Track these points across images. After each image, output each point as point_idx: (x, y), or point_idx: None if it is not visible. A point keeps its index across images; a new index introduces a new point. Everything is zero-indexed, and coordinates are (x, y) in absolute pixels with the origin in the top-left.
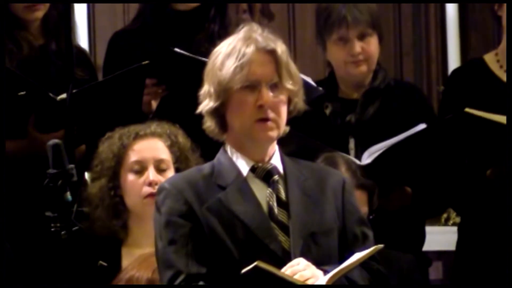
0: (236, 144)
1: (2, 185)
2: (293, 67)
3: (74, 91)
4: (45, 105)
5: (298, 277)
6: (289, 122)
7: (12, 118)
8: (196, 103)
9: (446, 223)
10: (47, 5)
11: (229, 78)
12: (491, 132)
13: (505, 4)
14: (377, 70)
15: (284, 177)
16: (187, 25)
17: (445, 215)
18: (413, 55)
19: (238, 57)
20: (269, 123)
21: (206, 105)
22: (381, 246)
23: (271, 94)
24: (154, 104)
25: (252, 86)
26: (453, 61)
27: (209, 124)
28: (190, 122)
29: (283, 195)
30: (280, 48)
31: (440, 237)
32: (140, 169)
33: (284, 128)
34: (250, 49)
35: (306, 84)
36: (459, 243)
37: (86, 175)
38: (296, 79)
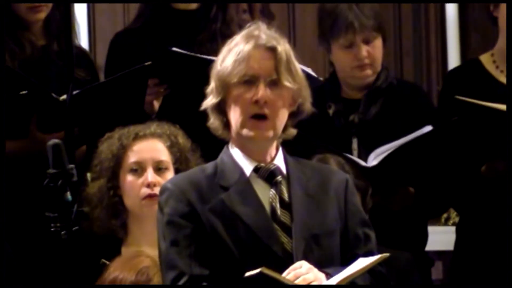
0: (239, 143)
1: (2, 185)
2: (295, 66)
3: (76, 92)
4: (48, 105)
5: (301, 281)
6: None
7: (14, 118)
8: (198, 102)
9: (446, 223)
10: (50, 6)
11: (227, 73)
12: (485, 120)
13: (500, 5)
14: (380, 70)
15: (287, 177)
16: (189, 25)
17: (445, 215)
18: (413, 55)
19: (238, 52)
20: (264, 122)
21: (209, 101)
22: (386, 255)
23: (269, 90)
24: (156, 104)
25: (250, 82)
26: (453, 61)
27: (212, 121)
28: (193, 122)
29: (285, 196)
30: (283, 46)
31: (441, 237)
32: (139, 170)
33: (281, 128)
34: (249, 45)
35: (305, 75)
36: (457, 243)
37: (88, 175)
38: (298, 79)
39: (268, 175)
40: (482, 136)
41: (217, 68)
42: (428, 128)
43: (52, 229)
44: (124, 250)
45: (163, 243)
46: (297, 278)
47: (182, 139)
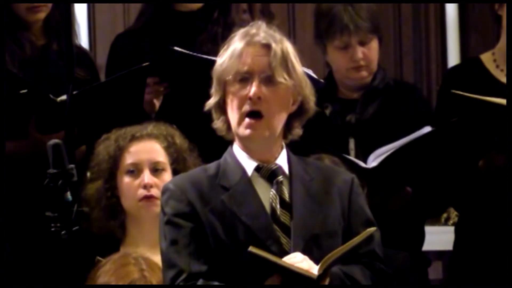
0: (241, 143)
1: (2, 185)
2: (293, 64)
3: (75, 92)
4: (45, 107)
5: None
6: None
7: (13, 119)
8: (198, 102)
9: (446, 223)
10: (49, 6)
11: (223, 70)
12: (482, 115)
13: (505, 4)
14: (376, 70)
15: (290, 177)
16: (189, 26)
17: (445, 215)
18: (413, 55)
19: (233, 49)
20: (259, 121)
21: (210, 101)
22: (373, 228)
23: (264, 87)
24: (156, 103)
25: (245, 79)
26: (453, 61)
27: (215, 122)
28: (193, 122)
29: (286, 196)
30: (280, 44)
31: (440, 237)
32: (136, 171)
33: (278, 127)
34: (244, 42)
35: (306, 76)
36: (456, 243)
37: (88, 174)
38: (295, 76)
39: (270, 175)
40: (480, 133)
41: (216, 67)
42: (428, 129)
43: (52, 229)
44: (122, 250)
45: (163, 242)
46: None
47: (179, 140)
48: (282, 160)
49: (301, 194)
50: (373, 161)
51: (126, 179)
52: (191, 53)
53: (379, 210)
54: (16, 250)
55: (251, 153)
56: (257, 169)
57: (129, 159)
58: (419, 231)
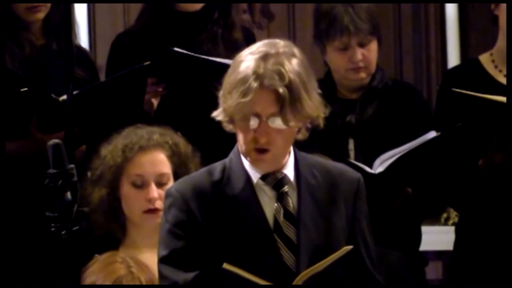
0: None
1: (2, 185)
2: (303, 100)
3: (76, 92)
4: (47, 106)
5: None
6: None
7: (14, 119)
8: (199, 102)
9: (445, 223)
10: (49, 6)
11: (232, 109)
12: (483, 114)
13: (501, 4)
14: (375, 70)
15: (296, 185)
16: (189, 26)
17: (445, 215)
18: (413, 55)
19: (243, 92)
20: (266, 154)
21: (218, 115)
22: (349, 247)
23: (271, 127)
24: (155, 102)
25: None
26: (453, 61)
27: (225, 125)
28: (192, 120)
29: (291, 208)
30: (289, 83)
31: (440, 237)
32: (141, 183)
33: (285, 154)
34: (254, 86)
35: None
36: (456, 242)
37: (88, 174)
38: (306, 112)
39: (276, 184)
40: (481, 132)
41: (225, 93)
42: (433, 134)
43: (52, 229)
44: (121, 250)
45: (161, 250)
46: None
47: (183, 147)
48: (289, 167)
49: (308, 206)
50: (379, 166)
51: (131, 190)
52: (191, 54)
53: (378, 210)
54: (16, 250)
55: None
56: (263, 178)
57: (134, 169)
58: (416, 231)
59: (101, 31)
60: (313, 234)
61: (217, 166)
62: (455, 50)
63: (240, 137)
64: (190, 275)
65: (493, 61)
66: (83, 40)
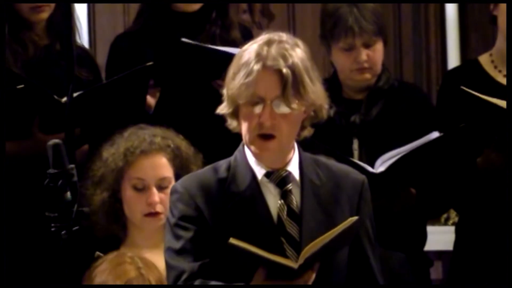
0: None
1: (2, 185)
2: (305, 81)
3: (79, 92)
4: (49, 107)
5: None
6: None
7: (16, 119)
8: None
9: (446, 223)
10: (52, 6)
11: (236, 93)
12: (486, 115)
13: (500, 4)
14: (381, 71)
15: (300, 183)
16: (187, 26)
17: (445, 215)
18: (413, 55)
19: (246, 73)
20: (271, 141)
21: (222, 108)
22: (355, 218)
23: (275, 111)
24: (152, 101)
25: (257, 102)
26: (453, 61)
27: (230, 123)
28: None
29: (295, 206)
30: (292, 65)
31: (440, 237)
32: (142, 187)
33: (290, 143)
34: (257, 67)
35: None
36: (456, 242)
37: (89, 174)
38: (309, 96)
39: (280, 181)
40: (482, 133)
41: (229, 81)
42: (436, 134)
43: (52, 229)
44: (122, 249)
45: (168, 243)
46: None
47: (185, 150)
48: (293, 164)
49: (311, 205)
50: (380, 166)
51: (132, 193)
52: (201, 44)
53: (382, 211)
54: (16, 250)
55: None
56: (267, 175)
57: (135, 173)
58: (421, 232)
59: (101, 31)
60: (315, 233)
61: (222, 163)
62: (455, 50)
63: (244, 127)
64: (196, 264)
65: (492, 61)
66: (83, 40)
